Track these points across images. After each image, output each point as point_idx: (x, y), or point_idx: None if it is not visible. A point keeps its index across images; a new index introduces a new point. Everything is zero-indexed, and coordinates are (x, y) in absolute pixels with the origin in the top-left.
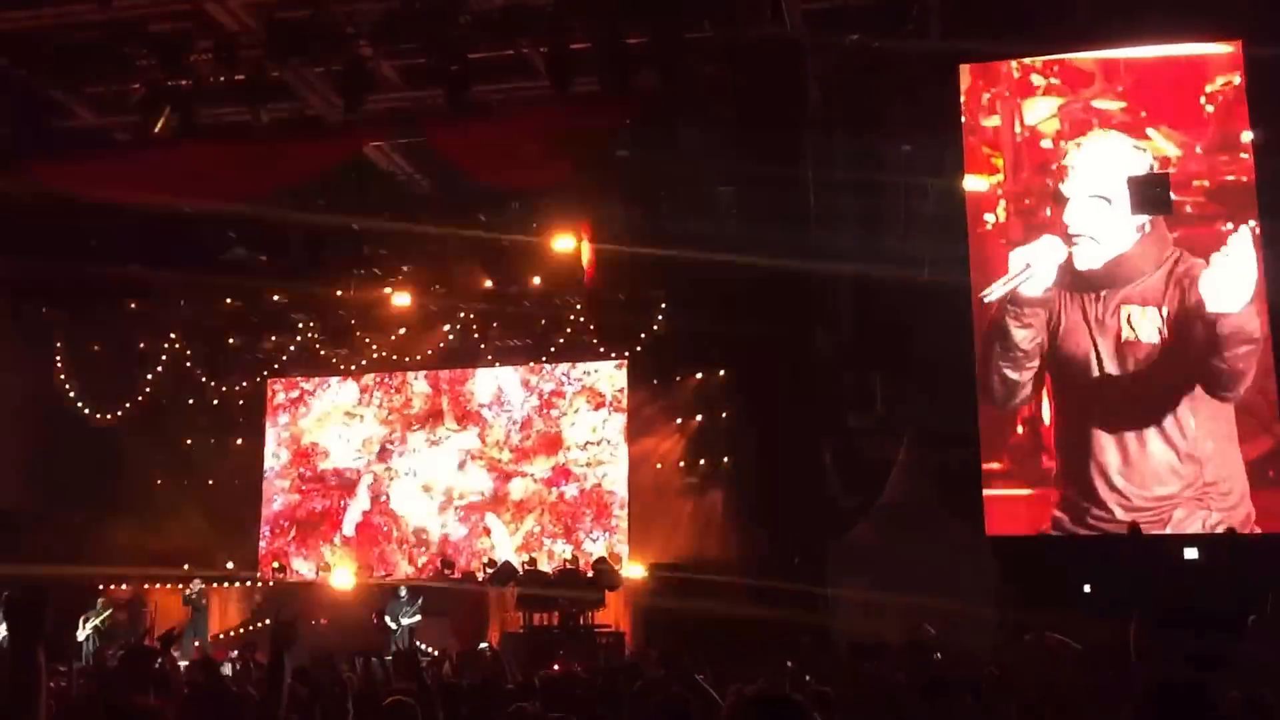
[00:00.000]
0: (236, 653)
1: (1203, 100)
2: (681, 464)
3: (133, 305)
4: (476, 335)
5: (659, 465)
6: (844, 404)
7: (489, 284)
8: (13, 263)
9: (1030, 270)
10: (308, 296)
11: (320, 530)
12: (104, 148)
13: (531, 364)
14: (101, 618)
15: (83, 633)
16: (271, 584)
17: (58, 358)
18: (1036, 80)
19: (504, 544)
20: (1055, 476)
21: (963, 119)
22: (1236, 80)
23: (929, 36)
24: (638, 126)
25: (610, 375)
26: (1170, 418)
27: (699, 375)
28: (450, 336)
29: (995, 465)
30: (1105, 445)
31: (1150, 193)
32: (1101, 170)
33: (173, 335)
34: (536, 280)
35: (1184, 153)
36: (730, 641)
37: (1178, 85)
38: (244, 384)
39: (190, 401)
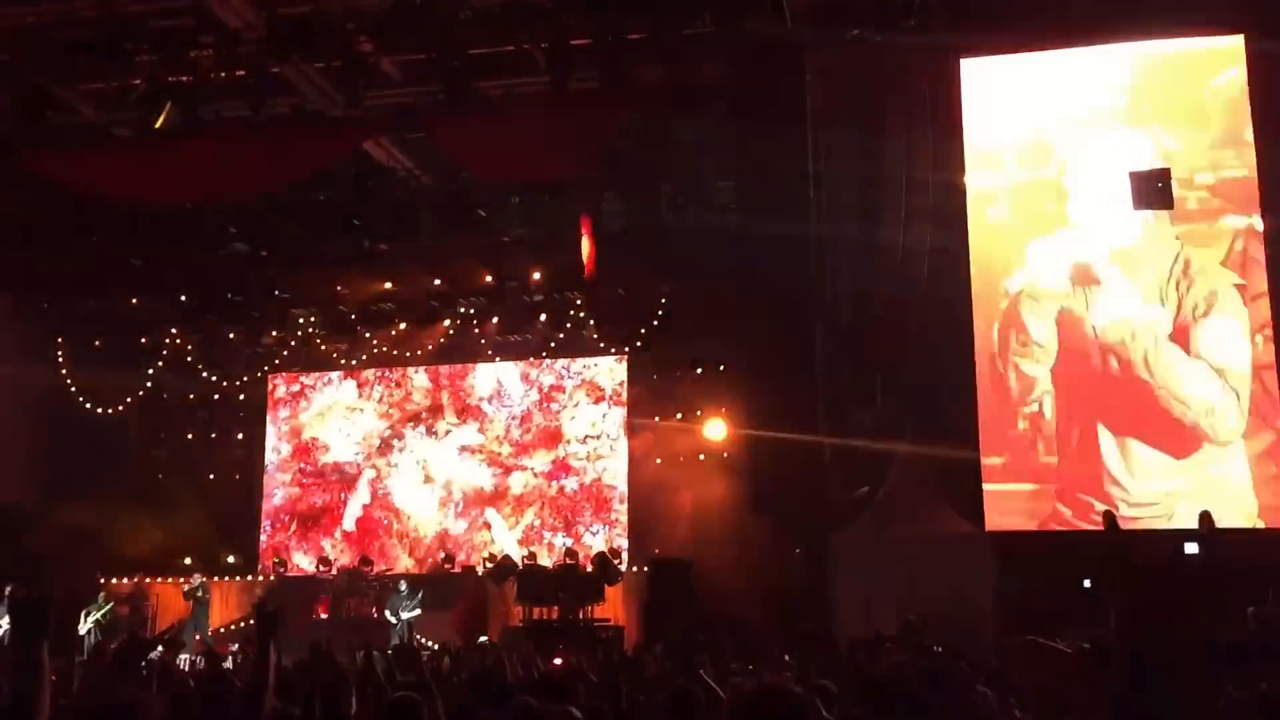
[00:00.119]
0: (237, 646)
1: (1206, 94)
2: (681, 458)
3: (134, 300)
4: (477, 330)
5: (659, 460)
6: (844, 398)
7: (489, 278)
8: (15, 257)
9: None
10: (308, 291)
11: (321, 524)
12: (105, 143)
13: (531, 359)
14: (103, 611)
15: (84, 626)
16: (272, 578)
17: (60, 353)
18: (1038, 74)
19: (504, 538)
20: (1056, 471)
21: (964, 113)
22: (1239, 74)
23: (930, 31)
24: (638, 121)
25: (610, 369)
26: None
27: (699, 370)
28: (451, 332)
29: (995, 460)
30: (1107, 440)
31: (1152, 187)
32: (1104, 165)
33: (174, 330)
34: (537, 275)
35: (1187, 147)
36: (730, 636)
37: (1181, 79)
38: (245, 379)
39: (191, 396)
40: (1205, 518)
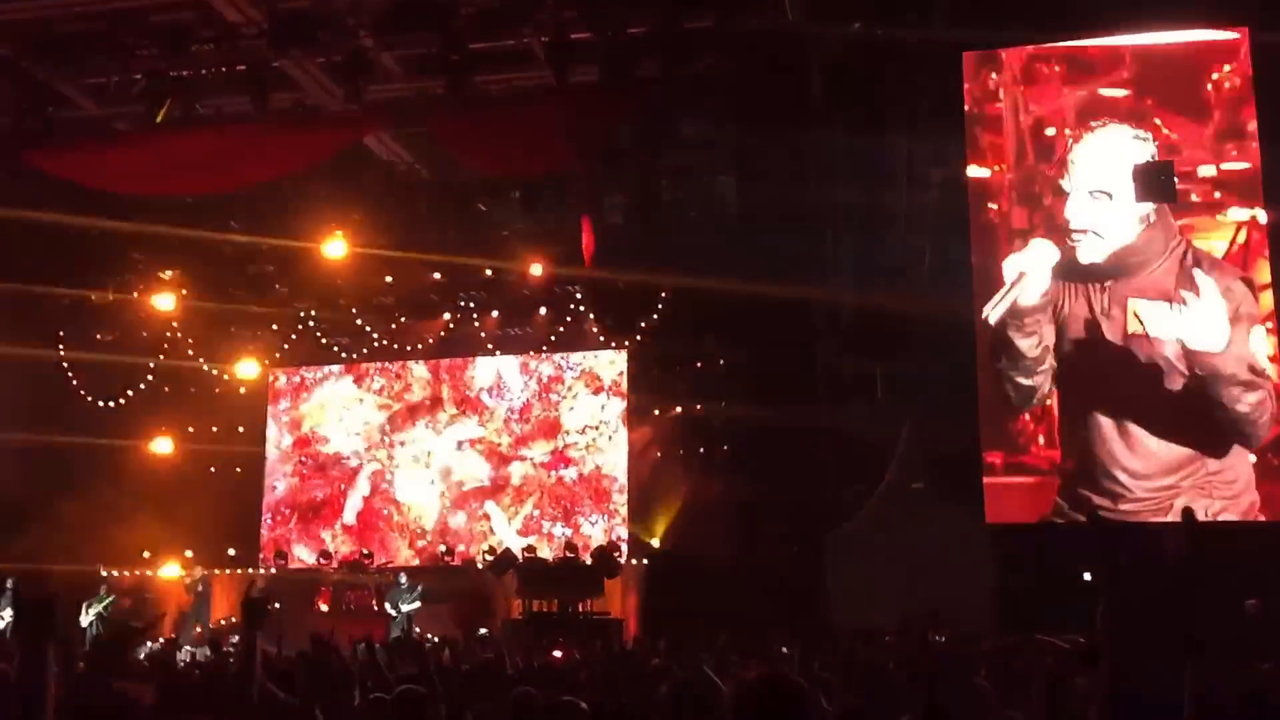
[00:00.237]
0: (238, 637)
1: (1209, 88)
2: (681, 451)
3: (135, 294)
4: (477, 324)
5: (659, 453)
6: (844, 391)
7: (489, 272)
8: (15, 252)
9: (1024, 279)
10: (308, 284)
11: (321, 517)
12: (106, 138)
13: (531, 352)
14: (105, 604)
15: (86, 619)
16: (272, 570)
17: (60, 346)
18: (1040, 68)
19: (504, 530)
20: (1057, 465)
21: (966, 107)
22: (1241, 68)
23: (932, 25)
24: (638, 116)
25: (610, 360)
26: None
27: (699, 363)
28: (451, 325)
29: (995, 453)
30: (1109, 434)
31: (1154, 181)
32: (1103, 165)
33: (174, 324)
34: (537, 269)
35: (1189, 141)
36: (730, 628)
37: (1183, 73)
38: (245, 371)
39: (191, 389)
40: (1187, 513)
